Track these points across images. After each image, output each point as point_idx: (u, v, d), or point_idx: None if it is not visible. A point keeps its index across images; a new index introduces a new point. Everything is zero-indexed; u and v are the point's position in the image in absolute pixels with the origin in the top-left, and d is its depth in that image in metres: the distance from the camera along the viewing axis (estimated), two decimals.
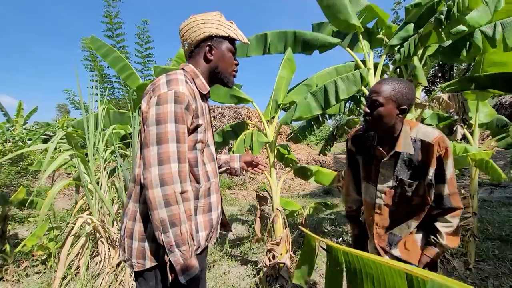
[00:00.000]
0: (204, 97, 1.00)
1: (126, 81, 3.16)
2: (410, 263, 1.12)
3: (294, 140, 3.79)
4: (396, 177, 1.10)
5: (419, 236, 1.14)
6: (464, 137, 2.91)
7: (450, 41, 2.27)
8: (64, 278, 2.38)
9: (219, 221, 1.06)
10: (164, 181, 0.78)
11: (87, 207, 2.70)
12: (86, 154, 2.63)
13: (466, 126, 2.94)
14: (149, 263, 0.87)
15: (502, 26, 1.91)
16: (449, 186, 1.03)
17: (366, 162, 1.21)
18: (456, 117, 3.06)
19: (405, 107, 1.03)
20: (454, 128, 2.98)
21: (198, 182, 0.93)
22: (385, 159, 1.11)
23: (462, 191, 2.77)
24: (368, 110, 1.06)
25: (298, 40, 2.67)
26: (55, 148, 2.75)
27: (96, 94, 2.90)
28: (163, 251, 0.80)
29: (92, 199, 2.55)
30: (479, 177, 2.69)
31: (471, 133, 2.81)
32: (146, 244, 0.86)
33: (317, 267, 2.68)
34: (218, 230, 1.07)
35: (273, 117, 2.64)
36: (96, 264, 2.51)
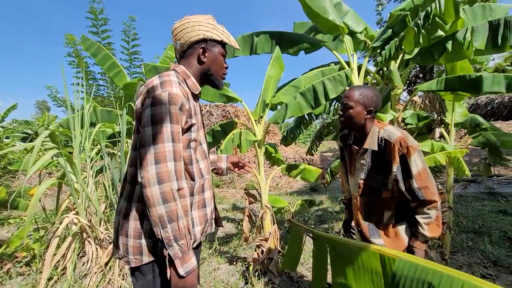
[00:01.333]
0: (196, 97, 1.04)
1: (113, 79, 3.12)
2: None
3: (285, 143, 3.86)
4: (366, 171, 1.26)
5: (401, 228, 1.23)
6: (442, 136, 3.08)
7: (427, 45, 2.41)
8: (50, 279, 2.34)
9: (213, 216, 1.11)
10: (161, 179, 0.81)
11: (73, 207, 2.65)
12: (71, 153, 2.58)
13: (443, 125, 3.11)
14: (147, 258, 0.89)
15: (472, 30, 2.04)
16: (417, 181, 1.12)
17: (349, 157, 1.39)
18: (435, 116, 3.23)
19: (371, 108, 1.21)
20: (433, 127, 3.15)
21: (192, 179, 0.96)
22: (358, 155, 1.29)
23: (439, 187, 2.94)
24: (341, 112, 1.26)
25: (284, 40, 2.73)
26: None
27: (82, 91, 2.85)
28: (162, 246, 0.82)
29: (78, 198, 2.51)
30: (455, 174, 2.85)
31: (448, 132, 2.99)
32: (143, 241, 0.89)
33: (304, 261, 2.77)
34: (213, 225, 1.12)
35: (262, 116, 2.70)
36: (83, 264, 2.49)
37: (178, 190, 0.85)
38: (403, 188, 1.16)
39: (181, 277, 0.81)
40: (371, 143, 1.21)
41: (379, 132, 1.21)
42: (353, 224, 1.50)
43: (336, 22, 2.35)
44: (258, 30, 2.85)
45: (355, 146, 1.31)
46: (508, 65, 11.43)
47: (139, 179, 0.83)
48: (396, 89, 2.44)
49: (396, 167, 1.15)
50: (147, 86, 0.90)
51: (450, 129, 2.96)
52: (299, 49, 2.74)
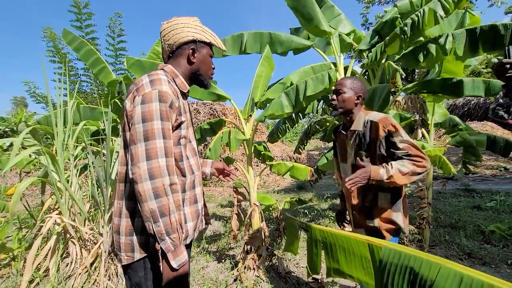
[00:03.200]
0: (184, 95, 1.06)
1: (98, 76, 3.03)
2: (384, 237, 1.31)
3: (271, 140, 3.91)
4: (355, 152, 1.39)
5: (397, 215, 1.31)
6: (422, 135, 3.22)
7: (410, 48, 2.52)
8: (31, 281, 2.26)
9: (203, 212, 1.13)
10: (153, 175, 0.82)
11: (56, 207, 2.57)
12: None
13: (424, 125, 3.26)
14: (138, 255, 0.90)
15: (453, 37, 2.17)
16: (409, 151, 1.21)
17: (340, 145, 1.52)
18: (417, 117, 3.37)
19: (360, 95, 1.39)
20: (415, 128, 3.29)
21: (183, 175, 0.98)
22: (347, 139, 1.43)
23: (420, 184, 3.08)
24: (334, 97, 1.43)
25: (274, 41, 2.76)
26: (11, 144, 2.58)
27: (65, 88, 2.76)
28: (153, 241, 0.84)
29: (61, 198, 2.44)
30: (434, 171, 3.00)
31: (428, 132, 3.13)
32: (134, 238, 0.90)
33: (291, 258, 2.83)
34: (204, 221, 1.14)
35: (250, 115, 2.72)
36: (67, 265, 2.42)
37: (171, 185, 0.87)
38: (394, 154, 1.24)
39: (173, 269, 0.83)
40: (357, 126, 1.37)
41: (365, 117, 1.37)
42: (347, 212, 1.62)
43: (324, 28, 2.39)
44: (245, 27, 2.87)
45: (343, 132, 1.46)
46: (483, 68, 12.05)
47: (130, 175, 0.84)
48: (395, 89, 2.54)
49: (382, 143, 1.28)
50: (137, 84, 0.91)
51: (430, 129, 3.11)
52: (288, 49, 2.78)
